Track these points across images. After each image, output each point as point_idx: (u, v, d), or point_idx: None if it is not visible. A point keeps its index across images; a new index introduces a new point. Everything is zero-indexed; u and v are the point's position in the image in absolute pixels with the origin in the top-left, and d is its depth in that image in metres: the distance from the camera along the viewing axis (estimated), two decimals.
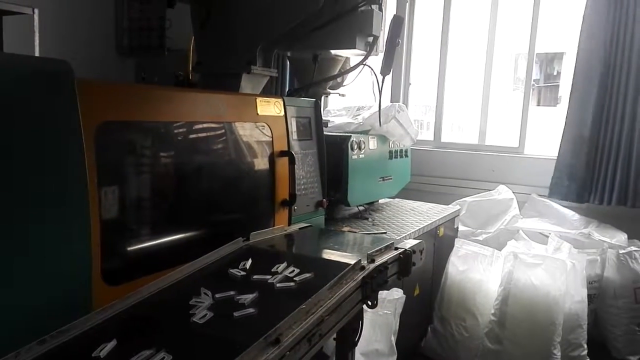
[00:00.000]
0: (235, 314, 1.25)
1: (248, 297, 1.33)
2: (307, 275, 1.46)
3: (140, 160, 1.60)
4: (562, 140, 3.72)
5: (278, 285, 1.43)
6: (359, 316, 1.67)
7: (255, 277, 1.47)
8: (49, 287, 1.22)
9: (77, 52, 4.23)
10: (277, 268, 1.51)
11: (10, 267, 1.15)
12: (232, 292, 1.36)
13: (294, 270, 1.49)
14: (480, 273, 3.22)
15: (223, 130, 1.90)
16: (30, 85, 1.20)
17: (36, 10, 3.61)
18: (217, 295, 1.34)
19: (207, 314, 1.25)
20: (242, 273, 1.50)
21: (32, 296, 1.19)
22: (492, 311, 3.04)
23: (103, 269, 1.36)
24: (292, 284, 1.43)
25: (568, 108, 3.72)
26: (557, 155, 3.75)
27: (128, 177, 1.54)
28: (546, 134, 4.82)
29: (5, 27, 3.65)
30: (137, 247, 1.55)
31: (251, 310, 1.27)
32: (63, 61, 1.27)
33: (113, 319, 1.23)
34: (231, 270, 1.51)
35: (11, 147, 1.16)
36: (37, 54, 3.56)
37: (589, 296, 3.08)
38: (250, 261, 1.56)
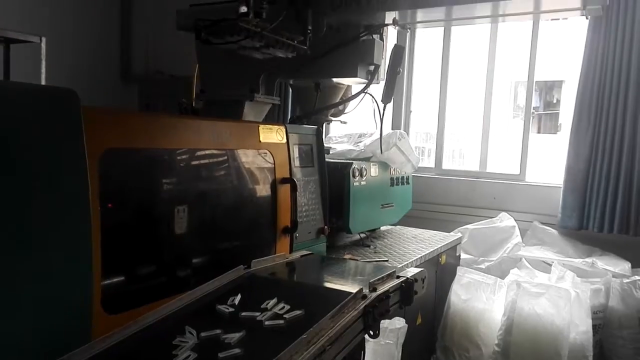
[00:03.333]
0: (220, 354, 1.20)
1: (235, 336, 1.28)
2: (298, 312, 1.42)
3: (143, 187, 1.61)
4: (566, 168, 3.73)
5: (267, 323, 1.38)
6: (361, 346, 1.65)
7: (243, 314, 1.42)
8: (49, 315, 1.21)
9: (83, 79, 4.30)
10: (267, 304, 1.46)
11: (11, 293, 1.14)
12: (218, 331, 1.31)
13: (284, 307, 1.45)
14: (484, 302, 3.18)
15: (226, 158, 1.91)
16: (38, 112, 1.22)
17: (44, 39, 3.68)
18: (202, 334, 1.29)
19: (190, 355, 1.20)
20: (231, 309, 1.45)
21: (32, 323, 1.18)
22: (496, 341, 2.99)
23: (103, 297, 1.35)
24: (281, 321, 1.39)
25: (570, 136, 3.74)
26: (562, 183, 3.75)
27: (131, 204, 1.54)
28: (547, 162, 4.84)
29: (12, 55, 3.72)
30: (138, 275, 1.55)
31: (237, 350, 1.22)
32: (69, 90, 1.29)
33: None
34: (219, 307, 1.46)
35: (17, 173, 1.16)
36: (43, 81, 3.62)
37: (594, 326, 3.03)
38: (239, 297, 1.50)
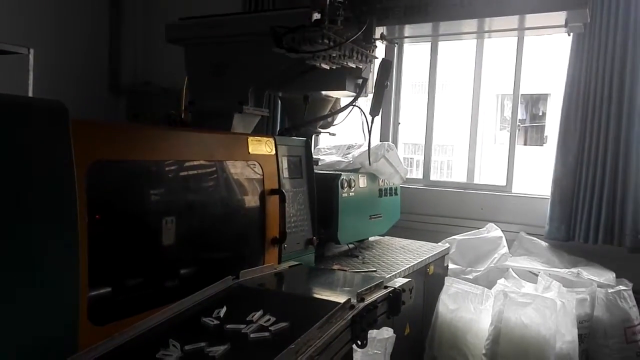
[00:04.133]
0: None
1: (219, 349, 1.27)
2: (283, 324, 1.42)
3: (131, 199, 1.61)
4: (553, 180, 3.79)
5: (252, 335, 1.37)
6: (349, 356, 1.66)
7: (229, 326, 1.41)
8: (35, 326, 1.20)
9: (70, 90, 4.29)
10: (252, 316, 1.46)
11: None
12: (202, 344, 1.29)
13: (269, 319, 1.44)
14: (471, 312, 3.20)
15: (215, 169, 1.92)
16: (26, 124, 1.22)
17: (31, 50, 3.67)
18: (186, 347, 1.28)
19: None
20: (216, 322, 1.44)
21: (17, 335, 1.17)
22: (484, 351, 3.01)
23: (90, 308, 1.35)
24: (266, 334, 1.38)
25: (556, 148, 3.81)
26: (550, 195, 3.80)
27: (119, 216, 1.54)
28: (533, 173, 4.91)
29: None
30: (125, 286, 1.54)
31: None
32: (58, 101, 1.30)
33: None
34: (204, 319, 1.45)
35: (4, 184, 1.16)
36: (30, 93, 3.60)
37: (580, 336, 3.06)
38: (224, 309, 1.50)
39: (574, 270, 3.47)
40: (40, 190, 1.23)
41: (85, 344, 1.26)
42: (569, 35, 3.39)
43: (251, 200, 2.08)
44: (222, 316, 1.47)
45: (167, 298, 1.53)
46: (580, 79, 3.68)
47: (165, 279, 1.69)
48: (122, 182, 1.58)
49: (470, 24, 2.69)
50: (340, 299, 1.59)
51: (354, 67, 2.30)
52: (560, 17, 2.43)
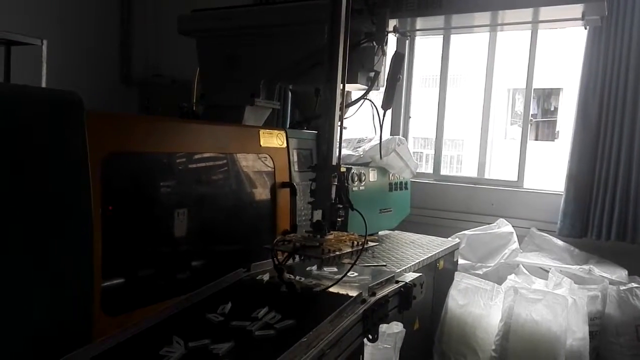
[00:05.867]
0: None
1: (223, 347, 1.25)
2: (289, 322, 1.40)
3: (144, 191, 1.61)
4: (566, 176, 3.74)
5: (257, 333, 1.35)
6: (360, 350, 1.66)
7: (233, 323, 1.40)
8: (50, 316, 1.22)
9: (83, 81, 4.31)
10: (257, 313, 1.44)
11: (12, 295, 1.15)
12: (206, 341, 1.28)
13: (274, 316, 1.43)
14: (481, 307, 3.19)
15: (227, 162, 1.92)
16: (42, 115, 1.23)
17: (45, 42, 3.69)
18: (190, 344, 1.26)
19: None
20: (220, 318, 1.42)
21: (33, 324, 1.19)
22: (493, 347, 3.00)
23: (103, 299, 1.36)
24: (271, 331, 1.36)
25: (571, 144, 3.75)
26: (563, 191, 3.76)
27: (132, 207, 1.55)
28: (545, 168, 4.87)
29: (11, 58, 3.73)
30: (138, 277, 1.55)
31: None
32: (73, 92, 1.30)
33: None
34: (208, 315, 1.43)
35: (20, 175, 1.17)
36: (44, 84, 3.62)
37: (591, 333, 3.04)
38: (229, 305, 1.48)
39: (586, 267, 3.44)
40: (55, 180, 1.24)
41: (99, 333, 1.27)
42: (585, 28, 3.35)
43: (262, 193, 2.08)
44: (226, 312, 1.46)
45: (179, 290, 1.54)
46: (597, 72, 3.62)
47: (177, 270, 1.70)
48: (135, 174, 1.58)
49: (484, 17, 2.66)
50: (352, 292, 1.59)
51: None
52: (576, 10, 2.40)
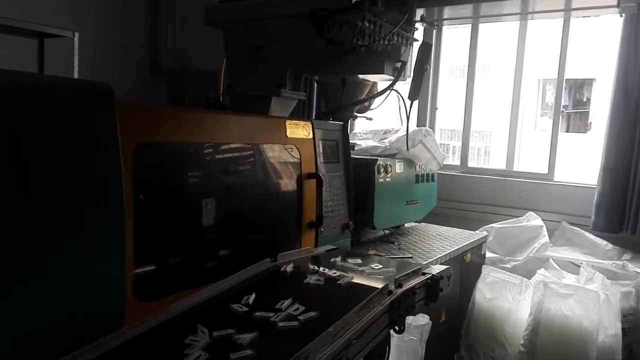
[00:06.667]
0: (232, 355, 1.19)
1: (247, 337, 1.27)
2: (312, 314, 1.40)
3: (173, 180, 1.64)
4: (601, 168, 3.63)
5: (280, 324, 1.36)
6: (386, 341, 1.65)
7: (257, 314, 1.41)
8: (84, 301, 1.25)
9: (112, 73, 4.39)
10: (281, 304, 1.44)
11: (47, 281, 1.18)
12: (230, 331, 1.29)
13: (298, 308, 1.43)
14: (509, 302, 3.14)
15: (253, 152, 1.93)
16: (75, 106, 1.25)
17: (76, 34, 3.77)
18: (214, 334, 1.28)
19: (201, 354, 1.20)
20: (244, 309, 1.44)
21: (66, 311, 1.22)
22: (522, 341, 2.95)
23: (135, 285, 1.38)
24: (295, 323, 1.37)
25: (606, 136, 3.63)
26: (597, 184, 3.65)
27: (161, 196, 1.57)
28: (576, 161, 4.74)
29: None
30: (168, 264, 1.58)
31: (249, 352, 1.21)
32: (105, 83, 1.32)
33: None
34: (233, 305, 1.45)
35: (53, 164, 1.20)
36: (76, 75, 3.71)
37: (624, 329, 2.96)
38: (253, 296, 1.49)
39: (619, 262, 3.35)
40: (87, 170, 1.26)
41: (131, 319, 1.30)
42: (621, 16, 3.23)
43: (288, 184, 2.09)
44: (250, 303, 1.47)
45: (207, 277, 1.56)
46: (634, 62, 3.49)
47: (205, 259, 1.72)
48: (164, 163, 1.60)
49: (514, 5, 2.60)
50: (378, 284, 1.58)
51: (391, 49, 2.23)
52: None
